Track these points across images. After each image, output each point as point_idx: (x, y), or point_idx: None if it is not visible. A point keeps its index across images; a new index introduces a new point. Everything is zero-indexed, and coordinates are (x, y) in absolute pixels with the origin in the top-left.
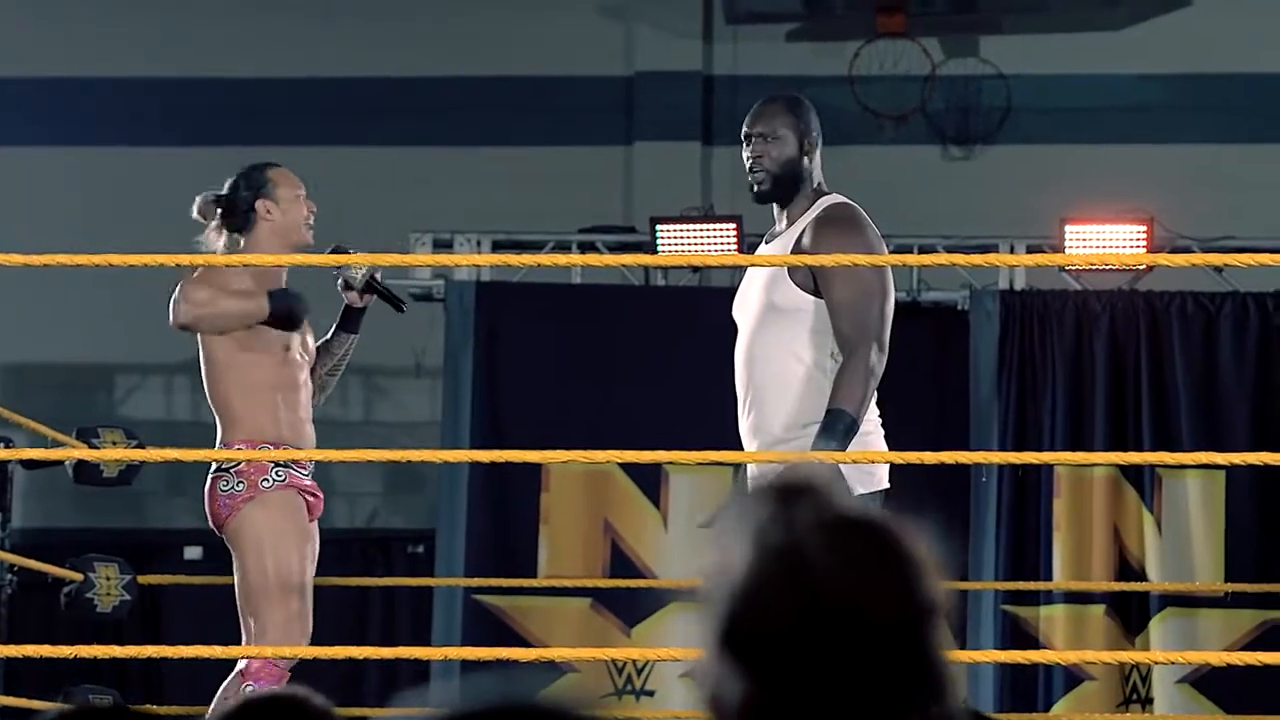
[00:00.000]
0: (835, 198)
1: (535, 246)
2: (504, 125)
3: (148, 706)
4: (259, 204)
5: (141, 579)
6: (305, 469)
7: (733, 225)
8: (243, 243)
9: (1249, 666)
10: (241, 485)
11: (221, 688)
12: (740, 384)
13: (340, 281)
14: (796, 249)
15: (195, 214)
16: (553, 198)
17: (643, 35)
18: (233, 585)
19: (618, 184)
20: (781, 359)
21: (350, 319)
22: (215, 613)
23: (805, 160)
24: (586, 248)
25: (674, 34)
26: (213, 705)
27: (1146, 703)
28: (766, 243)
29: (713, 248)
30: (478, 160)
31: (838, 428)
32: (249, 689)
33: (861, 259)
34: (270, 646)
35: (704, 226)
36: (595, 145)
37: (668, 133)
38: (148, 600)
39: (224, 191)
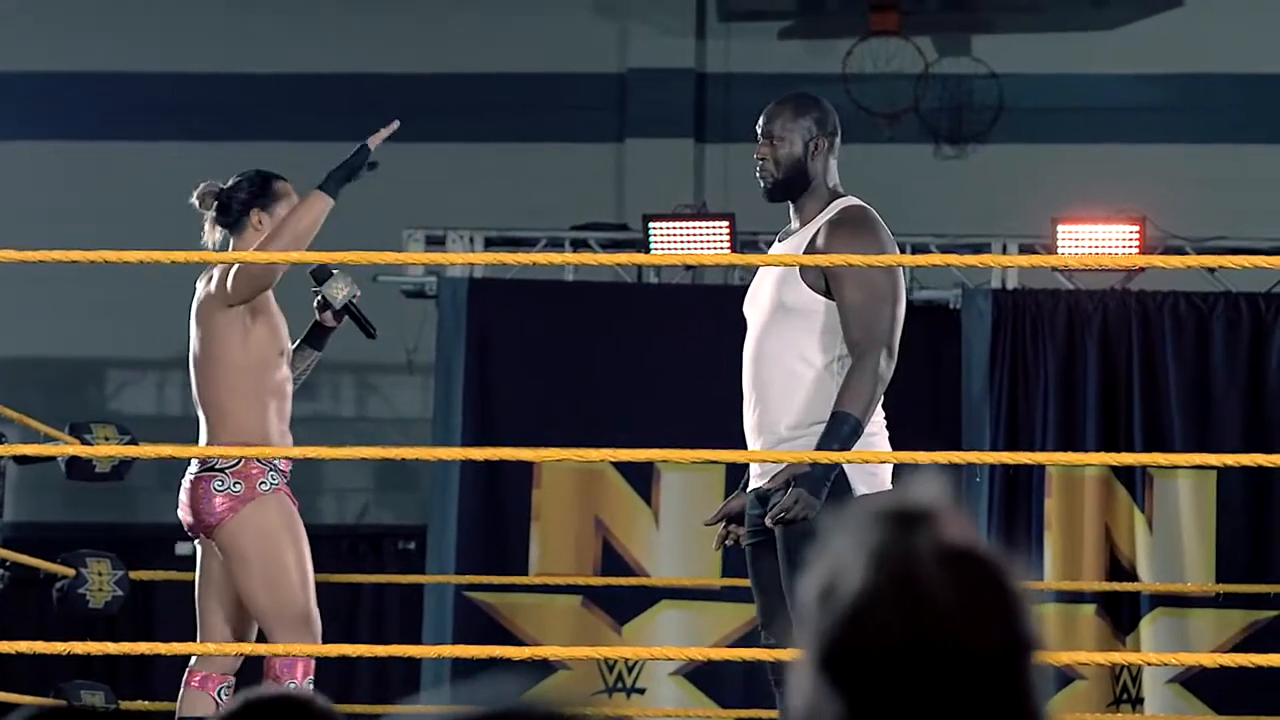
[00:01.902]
0: (851, 200)
1: (528, 243)
2: (497, 122)
3: (139, 703)
4: (253, 213)
5: (133, 575)
6: (288, 476)
7: (725, 223)
8: (230, 244)
9: (1240, 667)
10: (239, 486)
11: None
12: (747, 381)
13: (319, 300)
14: (810, 249)
15: (193, 199)
16: (546, 194)
17: (636, 32)
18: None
19: (610, 181)
20: (790, 358)
21: (318, 337)
22: None
23: (812, 161)
24: (579, 245)
25: (667, 31)
26: None
27: (1137, 702)
28: (780, 241)
29: (705, 245)
30: (471, 157)
31: (842, 431)
32: (292, 687)
33: (856, 259)
34: (284, 644)
35: (697, 224)
36: (588, 142)
37: (660, 130)
38: (139, 596)
39: (225, 186)
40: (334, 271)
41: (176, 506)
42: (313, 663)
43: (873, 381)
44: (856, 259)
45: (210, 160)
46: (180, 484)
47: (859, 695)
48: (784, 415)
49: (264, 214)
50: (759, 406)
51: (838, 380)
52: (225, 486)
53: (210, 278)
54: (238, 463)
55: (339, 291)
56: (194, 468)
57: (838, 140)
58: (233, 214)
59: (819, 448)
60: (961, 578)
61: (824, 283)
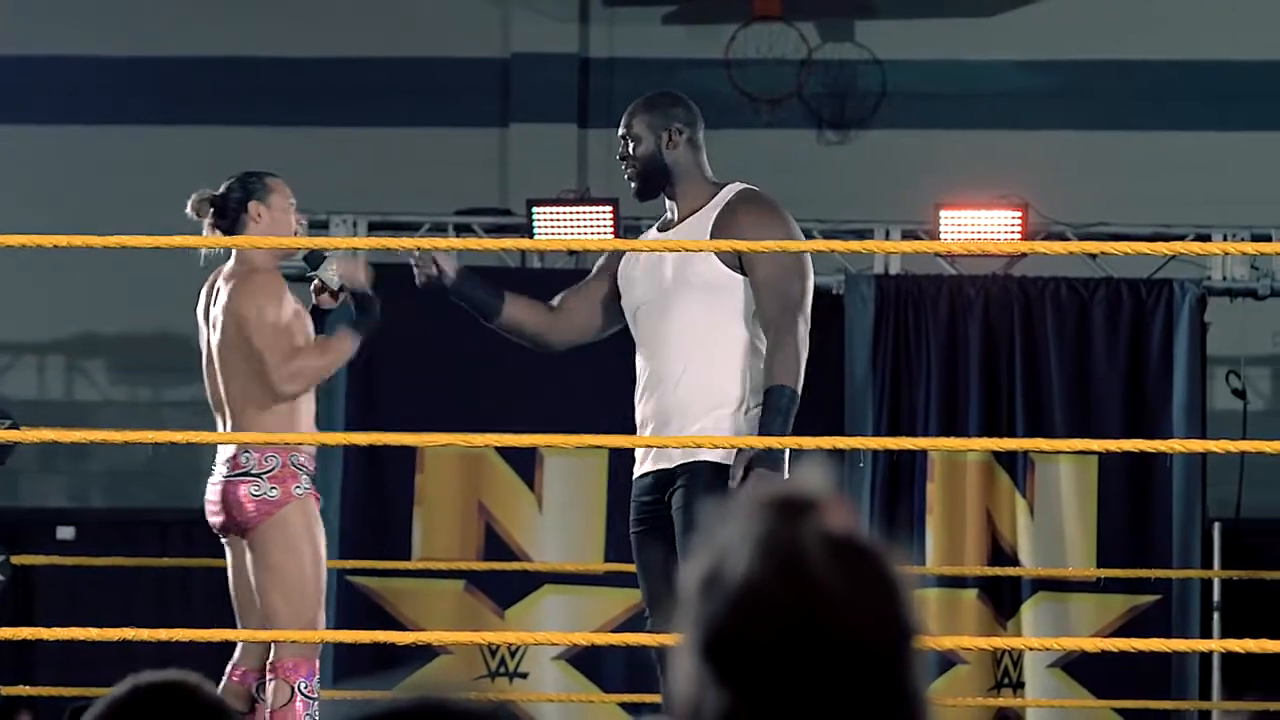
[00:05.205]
0: (740, 184)
1: (411, 228)
2: (380, 106)
3: (21, 688)
4: (251, 205)
5: (14, 559)
6: (314, 475)
7: (609, 207)
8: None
9: (1120, 651)
10: (275, 491)
11: (269, 697)
12: (654, 362)
13: (315, 284)
14: (717, 234)
15: (189, 210)
16: (429, 179)
17: (519, 16)
18: (106, 567)
19: (494, 166)
20: (707, 335)
21: (318, 320)
22: (87, 593)
23: (668, 153)
24: (463, 229)
25: (550, 16)
26: (269, 711)
27: (1018, 686)
28: (661, 231)
29: (589, 230)
30: (353, 141)
31: (781, 404)
32: (302, 685)
33: (754, 245)
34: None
35: (580, 209)
36: (471, 127)
37: (544, 115)
38: (20, 580)
39: (217, 192)
40: (326, 255)
41: (56, 490)
42: (316, 663)
43: (797, 351)
44: (754, 245)
45: (95, 145)
46: (210, 484)
47: (741, 683)
48: (703, 395)
49: (261, 205)
50: (661, 387)
51: (752, 356)
52: (260, 492)
53: (230, 282)
54: (273, 468)
55: (334, 273)
56: (223, 471)
57: (698, 130)
58: (229, 215)
59: (763, 424)
60: (846, 566)
61: (736, 259)
